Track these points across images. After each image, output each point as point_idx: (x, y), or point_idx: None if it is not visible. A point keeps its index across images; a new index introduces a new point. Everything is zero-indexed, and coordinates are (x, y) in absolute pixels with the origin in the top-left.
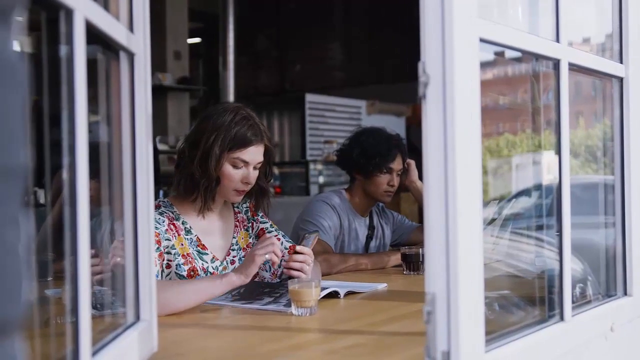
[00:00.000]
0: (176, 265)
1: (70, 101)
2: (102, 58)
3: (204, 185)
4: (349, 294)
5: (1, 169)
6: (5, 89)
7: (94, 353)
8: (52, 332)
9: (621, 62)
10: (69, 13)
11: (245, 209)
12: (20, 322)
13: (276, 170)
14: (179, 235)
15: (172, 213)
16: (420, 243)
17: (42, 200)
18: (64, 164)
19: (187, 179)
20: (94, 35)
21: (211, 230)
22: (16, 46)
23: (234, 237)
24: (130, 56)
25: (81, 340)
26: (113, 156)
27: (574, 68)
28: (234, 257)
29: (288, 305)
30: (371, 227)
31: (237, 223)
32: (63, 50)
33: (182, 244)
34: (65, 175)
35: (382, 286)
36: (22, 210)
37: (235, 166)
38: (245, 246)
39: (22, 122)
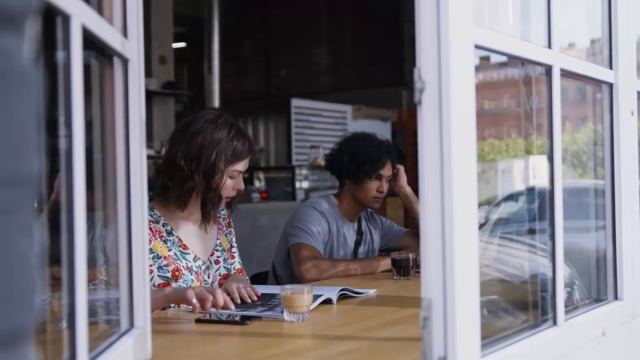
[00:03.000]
0: (158, 267)
1: (67, 106)
2: (96, 63)
3: (211, 199)
4: (342, 298)
5: (14, 177)
6: (19, 97)
7: None
8: (44, 339)
9: (611, 68)
10: (66, 19)
11: (223, 216)
12: (33, 330)
13: (262, 175)
14: (156, 238)
15: (152, 216)
16: (408, 248)
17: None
18: (61, 170)
19: (187, 193)
20: (88, 41)
21: (194, 232)
22: (29, 53)
23: (217, 239)
24: (125, 62)
25: (78, 347)
26: (106, 162)
27: (565, 74)
28: (218, 257)
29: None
30: (360, 233)
31: (220, 226)
32: (59, 55)
33: (160, 247)
34: (58, 181)
35: (372, 292)
36: (34, 218)
37: (232, 177)
38: (226, 249)
39: (35, 130)
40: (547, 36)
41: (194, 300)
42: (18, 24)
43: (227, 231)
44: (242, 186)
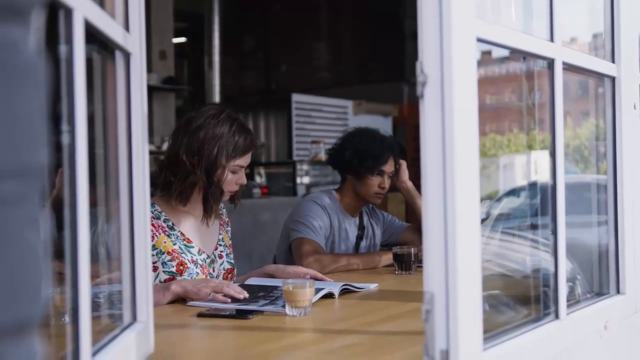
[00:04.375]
0: (162, 263)
1: (69, 101)
2: (97, 57)
3: (213, 194)
4: (344, 292)
5: (21, 169)
6: (25, 89)
7: (94, 354)
8: (46, 333)
9: (613, 62)
10: (69, 12)
11: (223, 213)
12: (40, 321)
13: (263, 171)
14: (160, 233)
15: (152, 212)
16: (410, 243)
17: None
18: (64, 165)
19: (189, 188)
20: (90, 34)
21: (197, 227)
22: (34, 45)
23: (220, 234)
24: (127, 56)
25: (81, 341)
26: (108, 157)
27: (567, 67)
28: (221, 252)
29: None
30: (361, 227)
31: (221, 222)
32: (62, 49)
33: (164, 242)
34: (59, 176)
35: (373, 286)
36: (41, 209)
37: (234, 172)
38: (228, 245)
39: (42, 122)
40: (549, 29)
41: (211, 295)
42: (24, 16)
43: (227, 229)
44: (244, 180)
